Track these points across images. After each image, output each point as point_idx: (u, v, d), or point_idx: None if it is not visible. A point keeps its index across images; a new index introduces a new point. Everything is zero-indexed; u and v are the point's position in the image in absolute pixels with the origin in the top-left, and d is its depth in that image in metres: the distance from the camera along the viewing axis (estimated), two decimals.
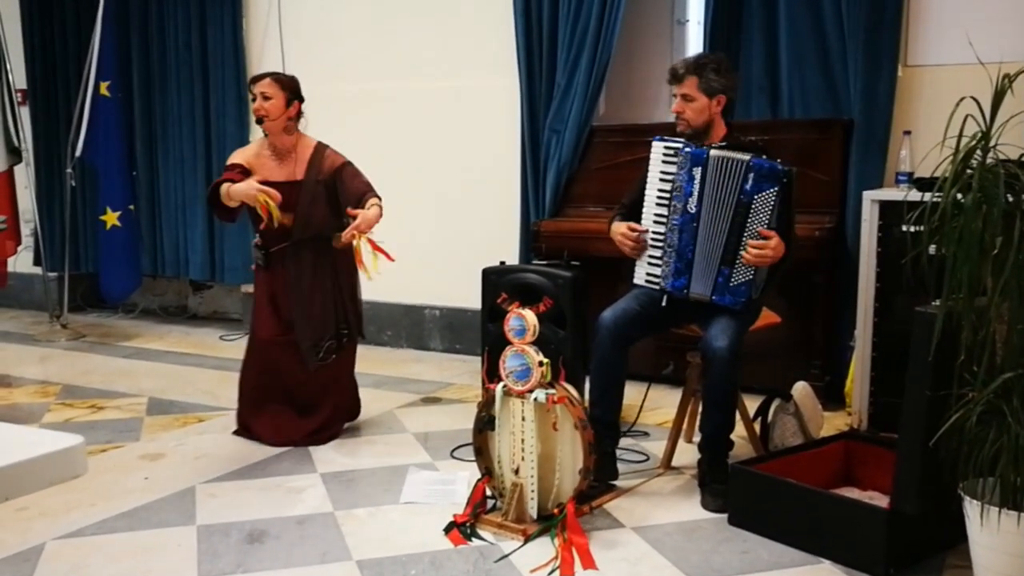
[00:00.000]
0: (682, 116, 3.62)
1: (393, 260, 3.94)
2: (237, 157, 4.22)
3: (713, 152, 3.52)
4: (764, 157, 3.46)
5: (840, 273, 4.64)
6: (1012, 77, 2.56)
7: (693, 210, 3.55)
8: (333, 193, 4.19)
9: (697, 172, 3.53)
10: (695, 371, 3.82)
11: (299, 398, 4.26)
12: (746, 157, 3.45)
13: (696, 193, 3.54)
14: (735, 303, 3.51)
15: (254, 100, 4.14)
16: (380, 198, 4.10)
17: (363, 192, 4.12)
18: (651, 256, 3.65)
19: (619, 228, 3.70)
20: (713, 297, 3.53)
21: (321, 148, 4.23)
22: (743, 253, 3.45)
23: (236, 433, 4.35)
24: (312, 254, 4.20)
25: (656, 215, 3.64)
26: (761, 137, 4.08)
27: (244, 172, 4.12)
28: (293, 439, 4.20)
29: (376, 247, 3.95)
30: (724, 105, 3.62)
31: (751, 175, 3.43)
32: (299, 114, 4.21)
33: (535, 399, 3.18)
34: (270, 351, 4.25)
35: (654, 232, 3.64)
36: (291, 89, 4.16)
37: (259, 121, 4.15)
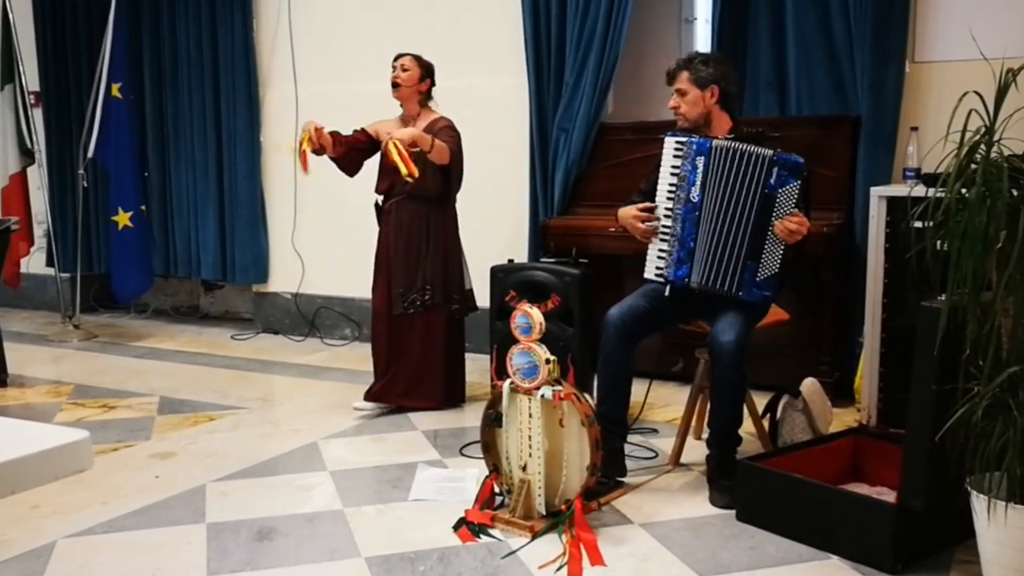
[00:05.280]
0: (678, 111, 3.69)
1: (415, 176, 4.19)
2: (371, 124, 4.72)
3: (716, 142, 3.56)
4: (779, 150, 3.48)
5: (848, 269, 4.63)
6: (1015, 72, 2.56)
7: (695, 199, 3.57)
8: None
9: (700, 162, 3.56)
10: (704, 368, 3.83)
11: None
12: (768, 152, 3.47)
13: (699, 182, 3.56)
14: (762, 297, 3.53)
15: (395, 71, 4.60)
16: (449, 146, 4.44)
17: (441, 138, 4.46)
18: (660, 250, 3.66)
19: (629, 211, 3.71)
20: (740, 292, 3.53)
21: (439, 118, 4.63)
22: (774, 223, 3.46)
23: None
24: (413, 212, 4.58)
25: (667, 209, 3.65)
26: (760, 128, 4.05)
27: (366, 135, 4.67)
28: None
29: (402, 155, 4.14)
30: (719, 96, 3.64)
31: (775, 169, 3.46)
32: (429, 92, 4.68)
33: (542, 396, 3.19)
34: (379, 319, 4.68)
35: (664, 226, 3.65)
36: (426, 69, 4.66)
37: (394, 86, 4.59)
